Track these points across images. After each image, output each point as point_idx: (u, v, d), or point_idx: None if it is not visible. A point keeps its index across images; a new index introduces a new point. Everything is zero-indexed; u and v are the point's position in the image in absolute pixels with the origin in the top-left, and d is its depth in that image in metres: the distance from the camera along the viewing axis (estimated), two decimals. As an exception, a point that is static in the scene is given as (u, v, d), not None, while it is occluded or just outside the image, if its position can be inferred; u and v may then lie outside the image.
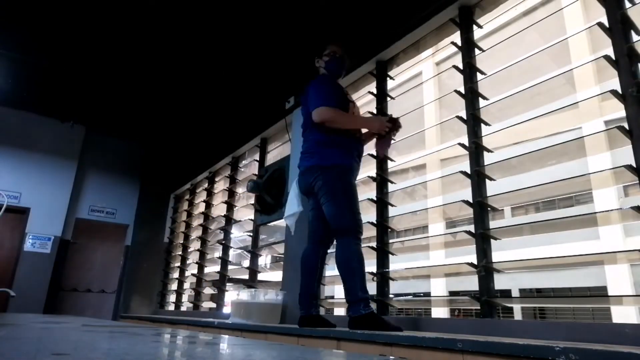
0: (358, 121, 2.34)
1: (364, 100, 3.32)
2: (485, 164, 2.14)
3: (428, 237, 2.62)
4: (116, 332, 1.21)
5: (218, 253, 4.61)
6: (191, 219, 5.47)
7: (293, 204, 2.40)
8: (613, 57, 1.72)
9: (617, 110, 1.71)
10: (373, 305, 2.53)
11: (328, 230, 2.22)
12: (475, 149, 2.17)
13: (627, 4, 1.76)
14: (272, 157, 4.18)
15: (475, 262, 2.03)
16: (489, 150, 2.16)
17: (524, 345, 1.19)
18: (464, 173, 2.18)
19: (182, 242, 5.47)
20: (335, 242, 2.18)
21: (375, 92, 2.97)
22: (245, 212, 4.35)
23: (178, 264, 5.43)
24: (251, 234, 4.02)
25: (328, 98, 2.22)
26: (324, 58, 2.45)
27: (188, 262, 5.25)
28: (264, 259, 4.47)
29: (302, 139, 2.39)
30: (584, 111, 1.86)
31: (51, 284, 5.85)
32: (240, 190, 4.55)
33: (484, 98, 2.23)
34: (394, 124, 2.27)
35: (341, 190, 2.14)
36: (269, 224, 3.87)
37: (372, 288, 2.56)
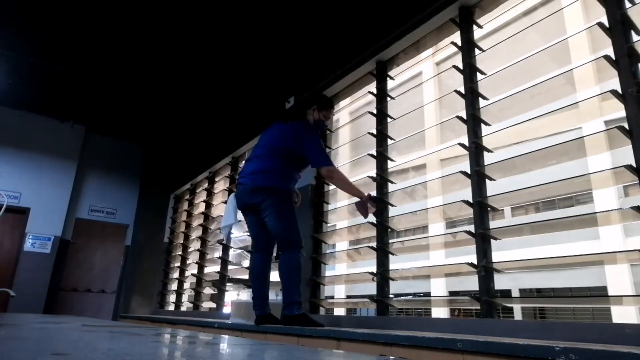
0: (353, 189, 2.50)
1: (364, 101, 3.32)
2: (485, 164, 2.14)
3: (428, 237, 2.62)
4: (116, 332, 1.21)
5: (218, 253, 4.61)
6: (191, 219, 5.47)
7: (230, 216, 2.63)
8: (613, 57, 1.72)
9: (617, 110, 1.71)
10: (373, 305, 2.54)
11: (270, 240, 2.53)
12: (475, 149, 2.17)
13: (627, 4, 1.76)
14: (272, 157, 4.17)
15: (475, 262, 2.03)
16: (489, 150, 2.16)
17: (524, 345, 1.19)
18: (464, 173, 2.18)
19: (182, 242, 5.47)
20: (280, 252, 2.46)
21: (375, 92, 2.97)
22: (245, 212, 4.34)
23: (178, 264, 5.43)
24: (251, 234, 4.02)
25: (328, 157, 2.54)
26: (322, 114, 2.65)
27: (188, 262, 5.25)
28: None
29: (255, 157, 2.56)
30: (584, 111, 1.86)
31: (51, 284, 5.86)
32: (240, 190, 4.54)
33: (484, 98, 2.23)
34: (376, 206, 2.50)
35: (287, 210, 2.45)
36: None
37: (372, 288, 2.56)
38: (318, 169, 2.50)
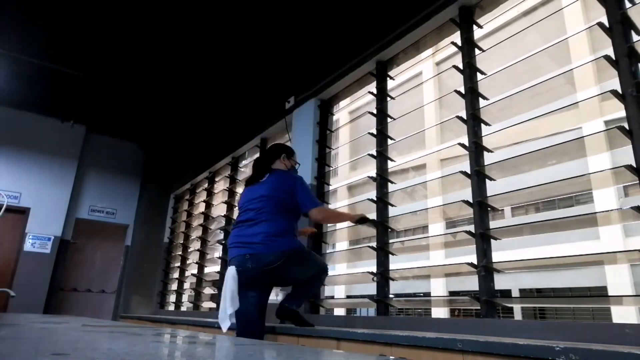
0: (345, 217, 2.49)
1: (364, 101, 3.33)
2: (485, 164, 2.14)
3: (428, 237, 2.63)
4: (116, 332, 1.21)
5: (218, 253, 4.60)
6: (191, 219, 5.47)
7: (228, 306, 2.12)
8: (613, 57, 1.72)
9: (617, 110, 1.71)
10: (373, 305, 2.54)
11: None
12: (475, 149, 2.17)
13: (627, 4, 1.76)
14: (272, 157, 4.18)
15: (475, 262, 2.03)
16: (489, 150, 2.16)
17: (524, 345, 1.19)
18: (464, 173, 2.18)
19: (182, 242, 5.47)
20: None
21: (375, 92, 2.97)
22: (245, 212, 4.34)
23: (178, 264, 5.43)
24: (251, 234, 4.01)
25: (317, 199, 2.48)
26: (291, 161, 2.55)
27: (188, 262, 5.25)
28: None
29: (248, 218, 2.27)
30: (584, 111, 1.86)
31: (51, 284, 5.86)
32: (240, 190, 4.55)
33: (484, 98, 2.23)
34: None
35: (307, 260, 2.30)
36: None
37: (372, 288, 2.56)
38: (309, 212, 2.29)
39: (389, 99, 2.87)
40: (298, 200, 2.31)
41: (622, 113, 1.67)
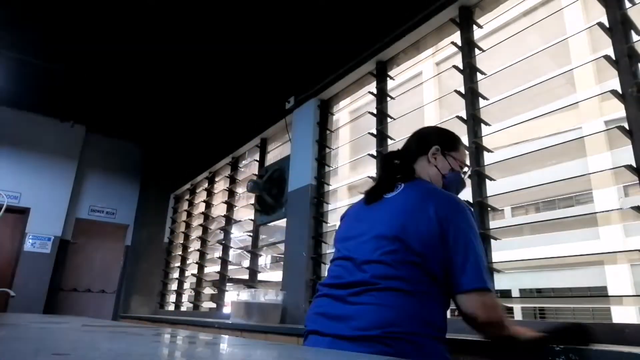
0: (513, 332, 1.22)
1: (364, 101, 3.32)
2: (485, 164, 2.14)
3: (428, 237, 2.61)
4: (116, 332, 1.21)
5: (218, 253, 4.60)
6: (191, 219, 5.47)
7: None
8: (613, 57, 1.72)
9: (617, 110, 1.71)
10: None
11: None
12: (475, 149, 2.17)
13: (627, 4, 1.76)
14: (272, 157, 4.18)
15: (475, 262, 2.03)
16: (489, 150, 2.16)
17: (524, 345, 1.18)
18: (464, 173, 2.18)
19: (182, 242, 5.47)
20: None
21: (375, 92, 2.97)
22: (245, 212, 4.35)
23: (178, 264, 5.43)
24: (251, 234, 4.02)
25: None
26: (453, 160, 1.50)
27: (188, 262, 5.25)
28: (264, 259, 4.47)
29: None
30: (584, 111, 1.86)
31: (51, 284, 5.86)
32: (240, 190, 4.55)
33: (484, 98, 2.23)
34: None
35: None
36: (269, 224, 3.87)
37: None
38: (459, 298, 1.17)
39: (389, 99, 2.87)
40: (451, 266, 1.15)
41: (622, 113, 1.67)
